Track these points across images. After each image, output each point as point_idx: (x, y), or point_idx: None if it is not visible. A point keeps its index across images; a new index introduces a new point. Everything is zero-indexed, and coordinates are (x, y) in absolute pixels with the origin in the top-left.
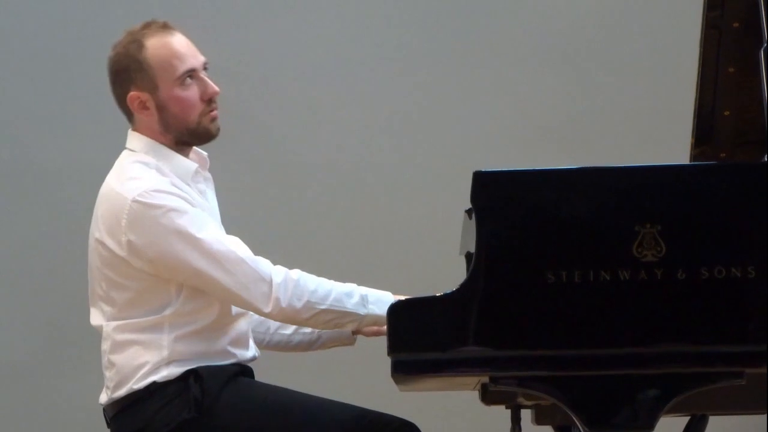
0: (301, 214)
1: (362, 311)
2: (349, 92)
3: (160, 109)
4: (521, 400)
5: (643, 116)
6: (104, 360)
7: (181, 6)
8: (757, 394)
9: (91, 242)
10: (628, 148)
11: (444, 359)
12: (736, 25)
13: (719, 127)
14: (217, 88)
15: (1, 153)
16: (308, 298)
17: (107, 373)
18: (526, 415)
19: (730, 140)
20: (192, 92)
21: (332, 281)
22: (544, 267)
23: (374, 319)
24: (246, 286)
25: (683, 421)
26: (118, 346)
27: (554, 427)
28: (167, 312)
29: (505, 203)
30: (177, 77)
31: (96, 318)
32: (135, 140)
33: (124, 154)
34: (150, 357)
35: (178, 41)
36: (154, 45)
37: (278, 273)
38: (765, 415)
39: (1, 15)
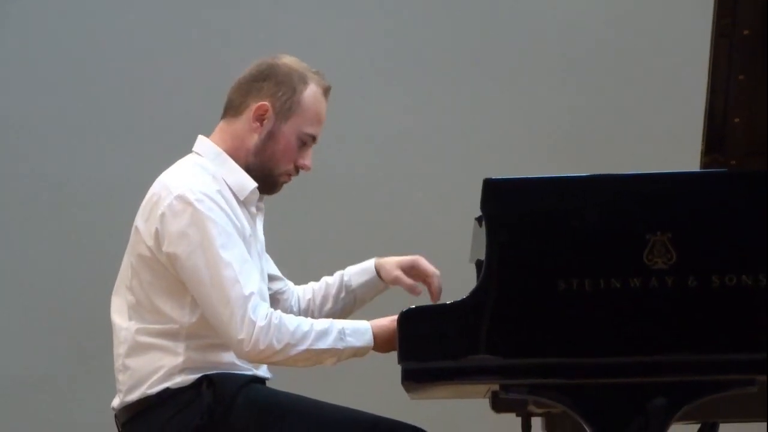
0: (309, 223)
1: (340, 345)
2: (358, 102)
3: (270, 135)
4: (532, 408)
5: (653, 124)
6: (118, 363)
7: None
8: None
9: (133, 230)
10: (638, 155)
11: (454, 367)
12: (746, 32)
13: (730, 135)
14: (311, 167)
15: (21, 167)
16: (288, 341)
17: (120, 377)
18: (536, 423)
19: (741, 148)
20: (297, 152)
21: (311, 320)
22: (554, 275)
23: (353, 351)
24: (234, 317)
25: (693, 429)
26: (135, 350)
27: None
28: (184, 319)
29: (516, 211)
30: (303, 131)
31: (117, 310)
32: (204, 146)
33: (189, 155)
34: (165, 362)
35: (325, 109)
36: (314, 92)
37: (263, 317)
38: None
39: (30, 31)
